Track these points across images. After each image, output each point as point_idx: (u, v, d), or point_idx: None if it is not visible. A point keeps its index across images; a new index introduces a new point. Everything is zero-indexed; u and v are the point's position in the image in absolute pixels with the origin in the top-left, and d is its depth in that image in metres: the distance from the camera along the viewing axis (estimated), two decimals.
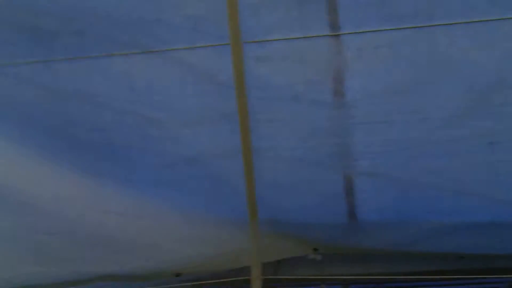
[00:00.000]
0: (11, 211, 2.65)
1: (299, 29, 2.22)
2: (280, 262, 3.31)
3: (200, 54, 2.31)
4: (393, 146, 2.45)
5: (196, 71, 2.35)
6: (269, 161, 2.57)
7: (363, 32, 2.18)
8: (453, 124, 2.34)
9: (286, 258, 3.20)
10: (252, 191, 2.67)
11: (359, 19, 2.17)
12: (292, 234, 2.95)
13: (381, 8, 2.14)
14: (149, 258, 2.96)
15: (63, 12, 2.22)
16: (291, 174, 2.60)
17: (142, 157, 2.58)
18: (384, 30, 2.16)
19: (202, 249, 2.98)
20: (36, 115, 2.42)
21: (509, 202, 2.56)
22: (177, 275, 3.04)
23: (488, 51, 2.16)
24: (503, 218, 2.65)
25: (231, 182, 2.65)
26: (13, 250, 2.81)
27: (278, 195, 2.71)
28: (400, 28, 2.15)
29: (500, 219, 2.65)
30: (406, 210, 2.70)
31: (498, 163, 2.43)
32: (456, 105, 2.30)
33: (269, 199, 2.72)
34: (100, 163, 2.61)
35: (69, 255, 2.83)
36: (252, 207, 2.72)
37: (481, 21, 2.10)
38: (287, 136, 2.47)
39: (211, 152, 2.58)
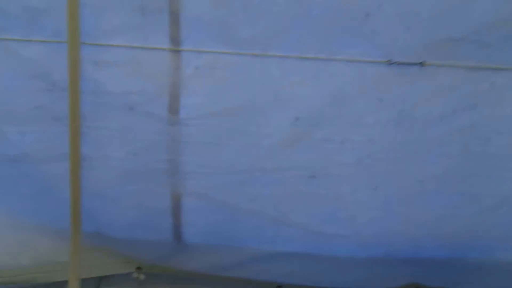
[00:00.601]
0: None
1: (140, 39, 2.16)
2: (101, 279, 3.12)
3: (35, 48, 2.16)
4: (222, 169, 2.43)
5: (30, 65, 2.20)
6: (98, 171, 2.43)
7: (202, 51, 2.14)
8: (278, 154, 2.37)
9: (108, 275, 3.02)
10: (76, 201, 2.50)
11: (200, 38, 2.16)
12: (116, 250, 2.81)
13: (222, 31, 2.14)
14: None
15: None
16: (119, 186, 2.49)
17: None
18: (223, 52, 2.14)
19: (19, 258, 2.72)
20: None
21: (325, 235, 2.61)
22: None
23: (316, 87, 2.21)
24: (318, 250, 2.71)
25: (56, 189, 2.48)
26: None
27: (104, 208, 2.57)
28: (238, 53, 2.14)
29: (316, 251, 2.70)
30: (230, 235, 2.68)
31: (317, 196, 2.48)
32: (282, 136, 2.34)
33: (94, 211, 2.57)
34: None
35: None
36: (75, 217, 2.54)
37: (312, 58, 2.15)
38: (118, 146, 2.37)
39: (37, 155, 2.40)
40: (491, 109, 2.30)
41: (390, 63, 2.20)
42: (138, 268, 2.96)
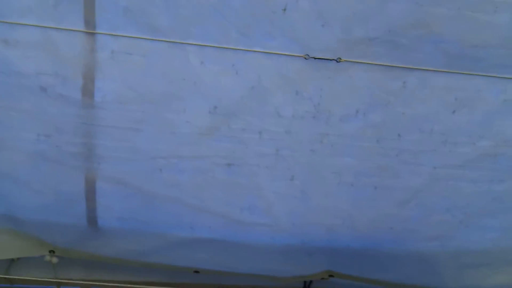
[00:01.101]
0: None
1: (54, 19, 2.15)
2: (13, 261, 3.10)
3: None
4: (139, 155, 2.46)
5: None
6: (7, 152, 2.41)
7: (118, 35, 2.15)
8: (196, 142, 2.42)
9: (20, 257, 3.01)
10: None
11: (116, 22, 2.18)
12: (28, 233, 2.79)
13: (140, 16, 2.17)
14: None
15: None
16: (30, 169, 2.48)
17: None
18: (139, 38, 2.16)
19: None
20: None
21: (243, 223, 2.69)
22: None
23: (234, 78, 2.27)
24: (236, 237, 2.79)
25: None
26: None
27: (15, 190, 2.55)
28: (155, 40, 2.17)
29: (234, 238, 2.78)
30: (147, 221, 2.72)
31: (235, 185, 2.55)
32: (201, 124, 2.39)
33: (4, 193, 2.54)
34: None
35: None
36: None
37: (231, 48, 2.20)
38: (29, 128, 2.36)
39: None
40: (403, 107, 2.42)
41: (307, 57, 2.28)
42: (51, 252, 2.95)
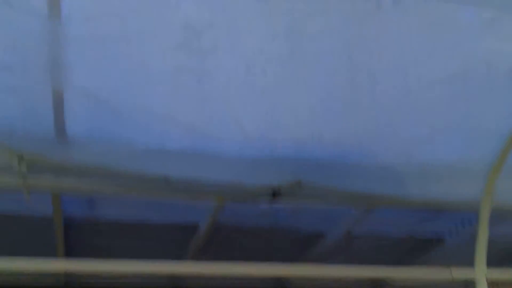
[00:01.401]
0: None
1: None
2: None
3: None
4: (107, 66, 2.52)
5: None
6: None
7: None
8: (167, 55, 2.50)
9: None
10: None
11: None
12: None
13: None
14: None
15: None
16: None
17: None
18: None
19: None
20: None
21: (210, 135, 2.84)
22: None
23: None
24: (203, 149, 2.94)
25: None
26: None
27: None
28: None
29: (201, 149, 2.94)
30: (116, 132, 2.83)
31: (204, 97, 2.69)
32: (171, 38, 2.47)
33: None
34: None
35: None
36: None
37: None
38: None
39: None
40: (376, 27, 2.51)
41: None
42: (20, 159, 3.05)
